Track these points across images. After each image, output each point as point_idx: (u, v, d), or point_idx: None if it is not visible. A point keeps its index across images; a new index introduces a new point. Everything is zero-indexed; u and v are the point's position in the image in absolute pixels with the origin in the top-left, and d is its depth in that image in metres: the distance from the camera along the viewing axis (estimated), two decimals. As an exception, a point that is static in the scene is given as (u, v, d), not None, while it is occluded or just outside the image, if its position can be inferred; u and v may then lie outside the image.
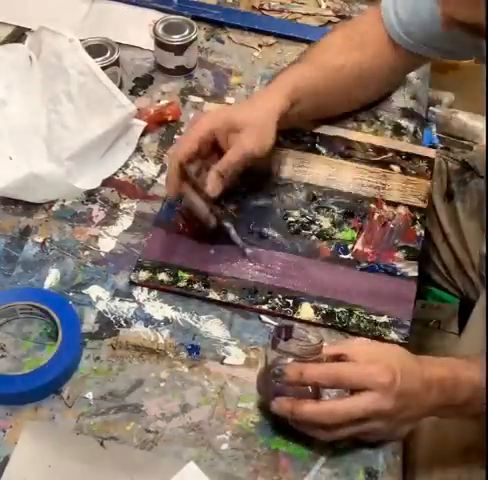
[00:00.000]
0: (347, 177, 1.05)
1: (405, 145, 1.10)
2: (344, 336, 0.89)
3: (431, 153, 1.09)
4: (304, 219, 1.00)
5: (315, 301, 0.91)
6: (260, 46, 1.23)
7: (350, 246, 0.97)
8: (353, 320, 0.89)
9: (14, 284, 0.91)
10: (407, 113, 1.15)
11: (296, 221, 0.99)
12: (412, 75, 1.20)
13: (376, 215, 1.01)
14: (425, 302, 1.57)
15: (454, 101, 1.94)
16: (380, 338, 0.88)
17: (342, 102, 1.09)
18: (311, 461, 0.79)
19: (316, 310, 0.90)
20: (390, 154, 1.08)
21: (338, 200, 1.02)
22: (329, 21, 1.28)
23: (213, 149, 0.92)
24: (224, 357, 0.87)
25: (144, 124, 1.06)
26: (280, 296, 0.91)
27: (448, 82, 1.84)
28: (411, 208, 1.01)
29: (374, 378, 0.75)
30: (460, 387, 0.79)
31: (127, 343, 0.87)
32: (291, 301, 0.91)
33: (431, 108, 1.84)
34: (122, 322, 0.89)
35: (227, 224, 0.94)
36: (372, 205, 1.02)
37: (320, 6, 1.30)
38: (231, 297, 0.91)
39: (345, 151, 1.08)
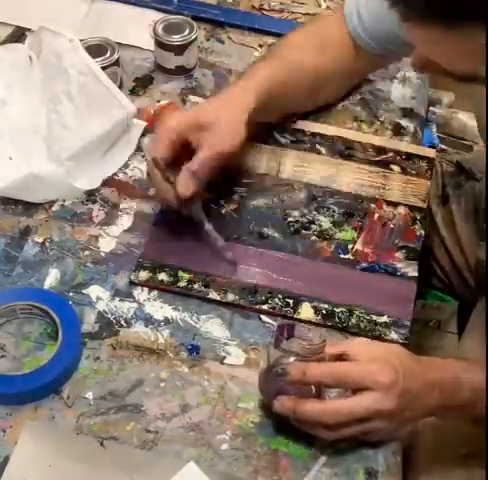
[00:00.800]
0: (347, 177, 1.05)
1: (405, 145, 1.10)
2: (344, 336, 0.89)
3: (431, 153, 1.09)
4: (304, 219, 0.99)
5: (315, 301, 0.91)
6: (260, 46, 1.23)
7: (350, 246, 0.97)
8: (353, 320, 0.89)
9: (14, 284, 0.91)
10: (407, 113, 1.15)
11: (296, 221, 0.99)
12: (412, 75, 1.20)
13: (376, 215, 1.01)
14: (425, 302, 1.57)
15: (454, 101, 1.94)
16: (380, 338, 0.88)
17: (304, 101, 1.09)
18: (311, 461, 0.79)
19: (316, 310, 0.90)
20: (390, 154, 1.07)
21: (338, 200, 1.02)
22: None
23: (184, 147, 0.92)
24: (224, 357, 0.87)
25: (144, 124, 1.06)
26: (280, 296, 0.91)
27: (448, 82, 1.84)
28: (411, 208, 1.01)
29: (376, 377, 0.75)
30: (460, 389, 0.79)
31: (127, 343, 0.87)
32: (291, 301, 0.91)
33: (431, 108, 1.83)
34: (122, 322, 0.89)
35: (209, 227, 0.93)
36: (372, 205, 1.02)
37: (320, 6, 1.30)
38: (231, 297, 0.91)
39: (345, 151, 1.07)
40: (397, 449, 0.82)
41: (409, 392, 0.76)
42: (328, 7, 1.30)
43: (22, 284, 0.91)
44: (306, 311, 0.90)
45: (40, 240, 0.96)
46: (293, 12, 1.29)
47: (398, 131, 1.12)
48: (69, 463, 0.78)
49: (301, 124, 1.10)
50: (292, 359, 0.77)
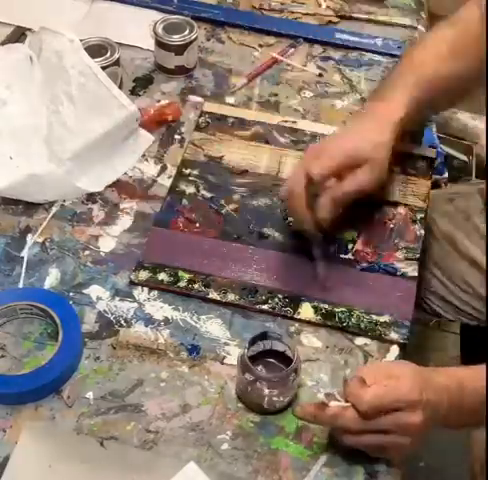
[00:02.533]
0: None
1: (405, 145, 1.09)
2: (344, 336, 0.89)
3: (431, 153, 1.09)
4: None
5: (315, 301, 0.91)
6: (260, 46, 1.23)
7: (350, 246, 0.97)
8: (353, 320, 0.89)
9: (14, 284, 0.91)
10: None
11: None
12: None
13: (376, 215, 1.01)
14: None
15: (454, 101, 1.94)
16: (380, 338, 0.89)
17: (444, 106, 1.11)
18: (311, 461, 0.79)
19: (316, 310, 0.90)
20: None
21: None
22: (329, 21, 1.27)
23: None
24: (224, 357, 0.87)
25: (152, 139, 1.06)
26: (280, 296, 0.91)
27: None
28: (411, 208, 1.01)
29: (404, 396, 0.73)
30: (466, 397, 0.78)
31: (127, 343, 0.87)
32: (291, 301, 0.91)
33: (431, 108, 1.83)
34: (122, 322, 0.89)
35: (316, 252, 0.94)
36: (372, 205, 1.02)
37: (320, 6, 1.30)
38: (231, 297, 0.91)
39: None
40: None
41: (429, 404, 0.74)
42: (328, 7, 1.30)
43: (22, 284, 0.91)
44: (306, 311, 0.90)
45: (40, 240, 0.96)
46: (293, 12, 1.29)
47: (398, 131, 1.12)
48: (69, 463, 0.78)
49: (301, 124, 1.10)
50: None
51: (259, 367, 0.81)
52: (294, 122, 1.10)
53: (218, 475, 0.77)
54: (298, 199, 0.89)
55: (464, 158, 1.88)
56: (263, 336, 0.82)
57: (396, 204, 1.02)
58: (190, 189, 1.02)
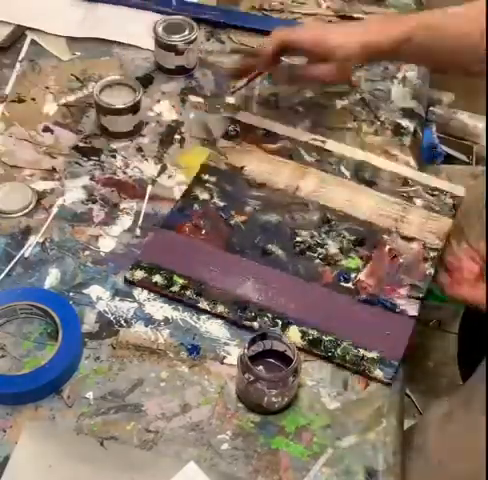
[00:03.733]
0: (366, 204, 1.01)
1: (433, 179, 1.05)
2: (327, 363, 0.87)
3: (460, 191, 1.04)
4: (312, 241, 0.96)
5: (304, 326, 0.88)
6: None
7: (353, 275, 0.93)
8: (339, 351, 0.86)
9: (14, 284, 0.91)
10: (407, 113, 1.15)
11: (303, 242, 0.96)
12: (412, 75, 1.21)
13: (387, 247, 0.96)
14: (425, 302, 1.56)
15: (454, 101, 1.94)
16: (363, 373, 0.86)
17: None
18: (311, 461, 0.79)
19: (303, 335, 0.87)
20: (416, 187, 1.03)
21: (351, 226, 0.98)
22: (329, 21, 1.27)
23: None
24: (224, 357, 0.87)
25: None
26: (269, 315, 0.89)
27: (448, 82, 1.84)
28: (425, 245, 0.97)
29: None
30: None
31: (127, 343, 0.87)
32: (280, 322, 0.88)
33: (431, 108, 1.83)
34: (122, 322, 0.89)
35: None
36: (385, 236, 0.97)
37: (320, 6, 1.30)
38: (220, 309, 0.89)
39: (370, 178, 1.04)
40: (397, 449, 0.82)
41: None
42: (328, 7, 1.30)
43: (22, 284, 0.91)
44: (293, 335, 0.87)
45: (40, 240, 0.96)
46: (293, 12, 1.29)
47: (398, 131, 1.12)
48: (69, 463, 0.78)
49: (330, 145, 1.07)
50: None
51: (259, 367, 0.81)
52: (323, 142, 1.07)
53: (218, 475, 0.77)
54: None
55: (464, 158, 1.88)
56: (263, 336, 0.82)
57: (411, 239, 0.97)
58: (204, 195, 1.00)
